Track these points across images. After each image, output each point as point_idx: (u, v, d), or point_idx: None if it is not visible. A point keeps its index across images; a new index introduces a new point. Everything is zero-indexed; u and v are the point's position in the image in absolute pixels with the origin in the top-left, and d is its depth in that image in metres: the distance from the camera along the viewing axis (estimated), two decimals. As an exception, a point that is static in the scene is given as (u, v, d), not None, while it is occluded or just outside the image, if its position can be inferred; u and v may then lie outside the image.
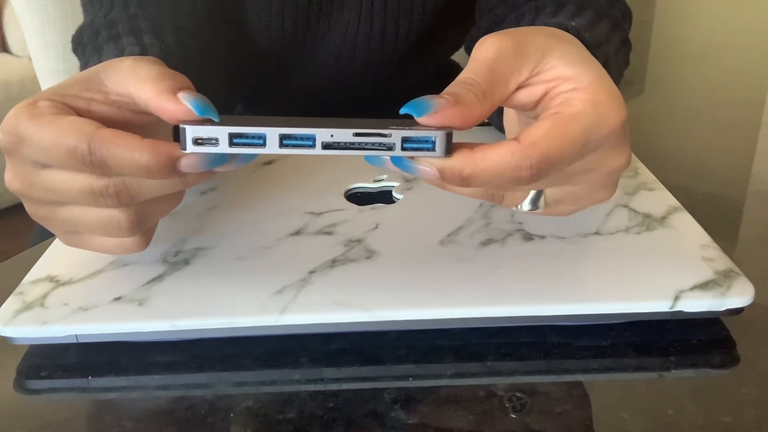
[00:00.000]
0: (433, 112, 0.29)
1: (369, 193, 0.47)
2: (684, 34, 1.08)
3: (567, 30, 0.38)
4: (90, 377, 0.33)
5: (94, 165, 0.31)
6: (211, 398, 0.32)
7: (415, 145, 0.29)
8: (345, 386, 0.32)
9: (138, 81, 0.32)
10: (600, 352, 0.34)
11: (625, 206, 0.42)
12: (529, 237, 0.39)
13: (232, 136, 0.30)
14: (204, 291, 0.36)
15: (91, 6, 0.54)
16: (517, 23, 0.48)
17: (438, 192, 0.44)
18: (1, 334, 0.34)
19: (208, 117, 0.30)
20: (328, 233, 0.41)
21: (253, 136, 0.30)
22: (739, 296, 0.34)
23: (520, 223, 0.41)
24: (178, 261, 0.38)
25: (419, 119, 0.30)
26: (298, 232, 0.41)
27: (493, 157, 0.29)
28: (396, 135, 0.29)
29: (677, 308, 0.34)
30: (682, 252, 0.38)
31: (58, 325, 0.34)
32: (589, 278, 0.35)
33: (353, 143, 0.29)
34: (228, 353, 0.34)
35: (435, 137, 0.29)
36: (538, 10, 0.48)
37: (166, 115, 0.31)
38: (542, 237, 0.39)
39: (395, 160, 0.30)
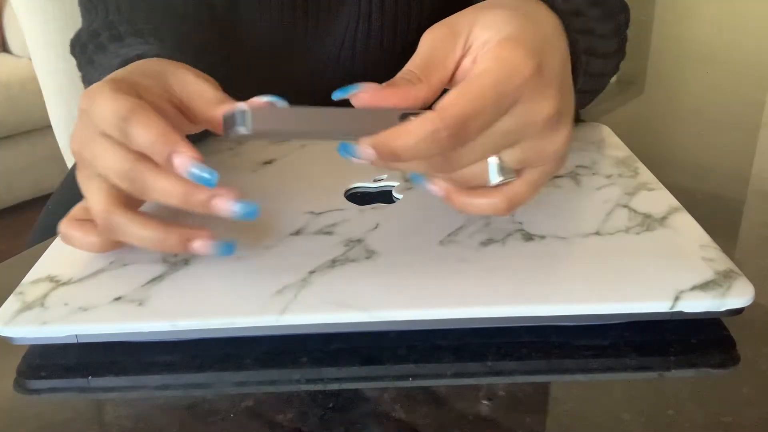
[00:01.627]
0: (359, 91, 0.33)
1: (369, 193, 0.47)
2: (684, 34, 1.08)
3: None
4: (90, 377, 0.33)
5: (122, 131, 0.35)
6: (211, 398, 0.32)
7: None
8: (345, 386, 0.32)
9: (204, 101, 0.39)
10: (600, 352, 0.34)
11: (625, 206, 0.42)
12: (529, 237, 0.39)
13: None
14: (204, 291, 0.36)
15: (88, 13, 0.55)
16: None
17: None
18: (1, 334, 0.34)
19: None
20: (328, 233, 0.41)
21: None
22: (739, 296, 0.34)
23: (520, 223, 0.41)
24: (178, 261, 0.38)
25: (354, 101, 0.33)
26: (298, 232, 0.41)
27: (413, 127, 0.32)
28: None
29: (677, 308, 0.34)
30: (682, 252, 0.38)
31: (58, 325, 0.34)
32: (589, 278, 0.35)
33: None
34: (228, 353, 0.34)
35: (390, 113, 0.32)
36: None
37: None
38: (542, 237, 0.39)
39: (344, 147, 0.33)
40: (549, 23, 0.38)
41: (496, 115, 0.33)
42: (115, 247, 0.38)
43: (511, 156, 0.35)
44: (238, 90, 0.64)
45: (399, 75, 0.34)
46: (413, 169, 0.35)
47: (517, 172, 0.35)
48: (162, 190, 0.35)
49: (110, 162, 0.35)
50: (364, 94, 0.33)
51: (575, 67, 0.41)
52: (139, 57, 0.44)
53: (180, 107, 0.40)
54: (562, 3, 0.41)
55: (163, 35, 0.50)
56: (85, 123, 0.37)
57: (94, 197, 0.37)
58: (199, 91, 0.39)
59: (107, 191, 0.36)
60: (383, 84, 0.34)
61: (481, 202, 0.35)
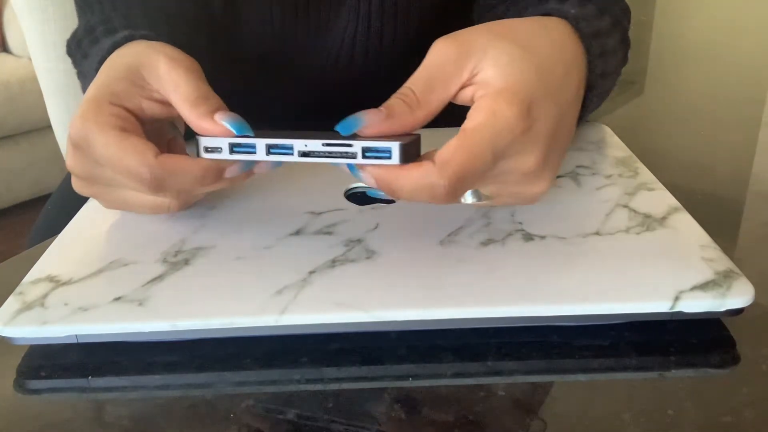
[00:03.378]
0: (363, 128, 0.34)
1: (369, 193, 0.47)
2: (684, 34, 1.08)
3: (566, 17, 0.40)
4: (90, 377, 0.33)
5: (152, 187, 0.36)
6: (211, 398, 0.32)
7: (375, 154, 0.34)
8: (345, 386, 0.32)
9: (179, 99, 0.38)
10: (600, 352, 0.34)
11: (625, 206, 0.42)
12: (529, 237, 0.39)
13: (231, 146, 0.36)
14: (204, 291, 0.36)
15: (84, 13, 0.55)
16: (520, 16, 0.48)
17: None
18: (1, 334, 0.34)
19: (245, 134, 0.36)
20: (328, 233, 0.41)
21: (247, 146, 0.36)
22: (739, 296, 0.34)
23: (520, 223, 0.41)
24: (178, 261, 0.38)
25: (359, 132, 0.34)
26: (298, 232, 0.41)
27: (413, 176, 0.33)
28: (357, 146, 0.34)
29: (677, 308, 0.34)
30: (682, 252, 0.38)
31: (58, 325, 0.34)
32: (589, 278, 0.35)
33: (323, 152, 0.35)
34: (228, 353, 0.34)
35: (392, 147, 0.34)
36: (540, 1, 0.48)
37: (204, 132, 0.37)
38: (542, 237, 0.39)
39: (351, 168, 0.35)
40: (563, 60, 0.38)
41: (488, 170, 0.34)
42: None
43: (488, 190, 0.37)
44: (237, 90, 0.64)
45: (400, 95, 0.35)
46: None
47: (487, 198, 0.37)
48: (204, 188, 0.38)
49: (131, 180, 0.37)
50: (367, 129, 0.34)
51: (589, 91, 0.42)
52: (126, 39, 0.44)
53: (162, 100, 0.40)
54: (585, 26, 0.41)
55: (161, 33, 0.50)
56: (85, 155, 0.38)
57: (134, 168, 0.37)
58: (173, 84, 0.38)
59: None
60: (383, 113, 0.34)
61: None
